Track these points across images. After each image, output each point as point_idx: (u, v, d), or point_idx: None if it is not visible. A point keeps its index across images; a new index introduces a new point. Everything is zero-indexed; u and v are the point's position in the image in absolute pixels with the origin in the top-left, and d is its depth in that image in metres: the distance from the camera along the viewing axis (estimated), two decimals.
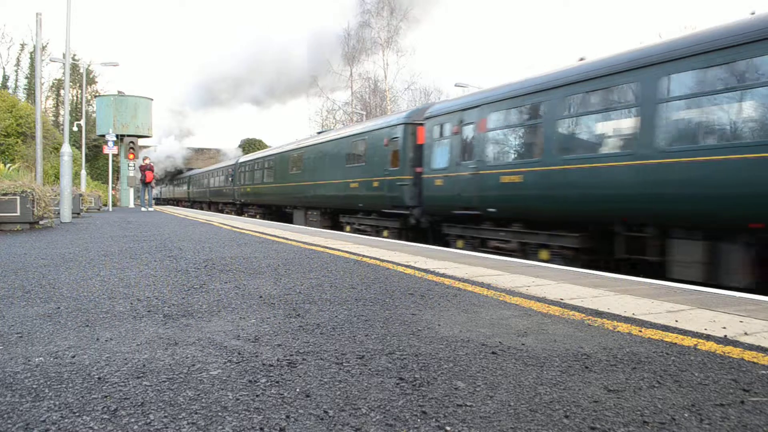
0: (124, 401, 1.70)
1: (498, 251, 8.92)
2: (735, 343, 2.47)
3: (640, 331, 2.69)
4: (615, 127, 7.22)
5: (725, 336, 2.59)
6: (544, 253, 8.21)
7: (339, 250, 6.61)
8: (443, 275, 4.55)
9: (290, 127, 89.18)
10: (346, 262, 5.38)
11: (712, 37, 6.00)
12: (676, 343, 2.48)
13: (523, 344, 2.43)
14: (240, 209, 26.66)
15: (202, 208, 34.65)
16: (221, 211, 29.93)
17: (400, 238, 11.50)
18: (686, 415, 1.67)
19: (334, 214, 16.01)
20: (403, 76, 40.08)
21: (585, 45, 58.16)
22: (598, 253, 7.48)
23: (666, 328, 2.75)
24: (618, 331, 2.70)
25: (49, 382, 1.86)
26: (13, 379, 1.89)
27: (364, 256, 5.96)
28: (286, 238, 8.31)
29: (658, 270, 6.41)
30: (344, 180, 14.53)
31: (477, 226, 9.67)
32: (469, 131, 9.74)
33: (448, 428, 1.54)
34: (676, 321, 2.91)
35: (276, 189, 20.76)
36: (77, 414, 1.60)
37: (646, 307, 3.27)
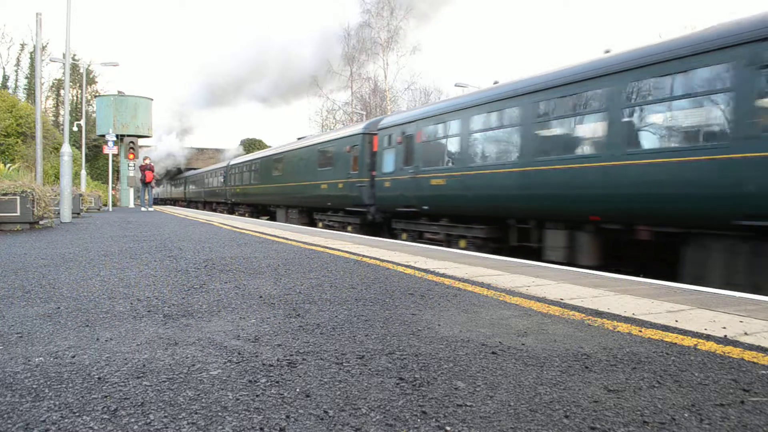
0: (124, 401, 1.70)
1: (431, 241, 10.84)
2: (735, 343, 2.47)
3: (640, 331, 2.69)
4: (504, 143, 9.23)
5: (725, 336, 2.59)
6: (462, 242, 10.11)
7: (339, 250, 6.61)
8: (443, 275, 4.55)
9: (291, 127, 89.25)
10: (346, 262, 5.38)
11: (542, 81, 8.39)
12: (676, 343, 2.48)
13: (523, 344, 2.43)
14: (231, 208, 28.83)
15: (197, 207, 36.28)
16: (215, 210, 31.73)
17: (360, 233, 13.04)
18: (686, 415, 1.67)
19: (309, 212, 17.99)
20: (403, 76, 40.02)
21: (585, 45, 58.19)
22: (500, 242, 9.38)
23: (666, 328, 2.75)
24: (618, 331, 2.70)
25: (49, 382, 1.86)
26: (13, 379, 1.89)
27: (364, 256, 5.96)
28: (286, 238, 8.31)
29: (538, 253, 8.27)
30: (316, 182, 16.61)
31: (416, 221, 11.60)
32: (409, 141, 11.69)
33: (448, 428, 1.54)
34: (676, 321, 2.91)
35: (261, 190, 22.92)
36: (77, 414, 1.60)
37: (646, 307, 3.27)
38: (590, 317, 3.00)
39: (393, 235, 12.43)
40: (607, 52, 7.86)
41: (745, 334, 2.64)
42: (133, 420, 1.56)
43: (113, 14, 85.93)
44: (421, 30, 50.35)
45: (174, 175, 50.95)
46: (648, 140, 6.84)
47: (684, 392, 1.86)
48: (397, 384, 1.89)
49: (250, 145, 50.72)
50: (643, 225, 6.79)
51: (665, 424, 1.59)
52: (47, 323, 2.70)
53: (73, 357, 2.14)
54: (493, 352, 2.29)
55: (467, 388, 1.87)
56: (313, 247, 6.90)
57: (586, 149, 7.64)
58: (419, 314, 3.01)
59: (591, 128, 7.59)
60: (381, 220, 13.27)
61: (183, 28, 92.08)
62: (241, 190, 26.43)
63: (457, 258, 6.01)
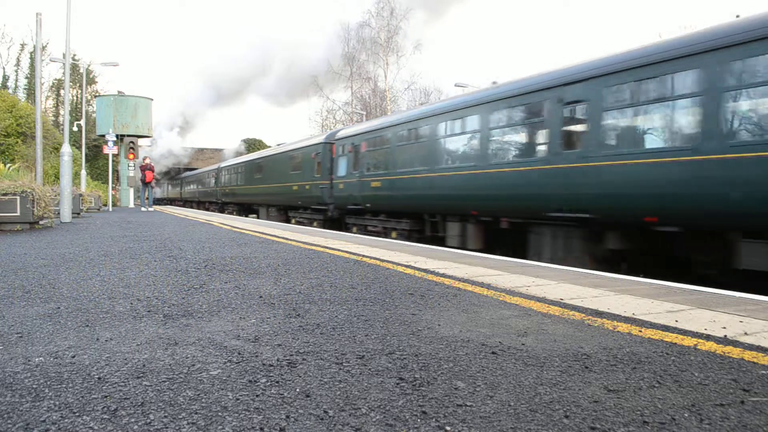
0: (124, 401, 1.70)
1: (374, 233, 13.16)
2: (735, 343, 2.47)
3: (640, 331, 2.69)
4: (418, 153, 11.62)
5: (725, 336, 2.59)
6: (394, 233, 12.46)
7: (339, 250, 6.61)
8: (443, 275, 4.55)
9: (291, 127, 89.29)
10: (346, 262, 5.38)
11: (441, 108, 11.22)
12: (676, 343, 2.48)
13: (523, 344, 2.43)
14: (221, 207, 31.64)
15: (192, 207, 39.63)
16: (207, 209, 34.47)
17: (323, 227, 15.56)
18: (686, 415, 1.67)
19: (285, 210, 20.64)
20: (403, 76, 39.98)
21: (585, 45, 58.17)
22: (421, 233, 11.68)
23: (666, 328, 2.75)
24: (618, 331, 2.70)
25: (49, 382, 1.86)
26: (13, 379, 1.89)
27: (364, 256, 5.96)
28: (286, 238, 8.31)
29: (443, 240, 10.62)
30: (289, 184, 19.39)
31: (362, 217, 14.19)
32: (356, 151, 14.37)
33: (448, 428, 1.54)
34: (676, 321, 2.91)
35: (246, 190, 25.80)
36: (77, 414, 1.60)
37: (646, 307, 3.27)
38: (590, 317, 3.00)
39: (347, 228, 14.87)
40: (494, 82, 11.00)
41: (745, 334, 2.64)
42: (133, 420, 1.56)
43: (113, 14, 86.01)
44: (424, 28, 50.41)
45: (174, 176, 51.37)
46: (499, 156, 9.41)
47: (684, 392, 1.86)
48: (397, 384, 1.89)
49: (251, 145, 50.92)
50: (503, 217, 9.26)
51: (665, 424, 1.59)
52: (47, 323, 2.70)
53: (73, 357, 2.14)
54: (493, 352, 2.29)
55: (467, 388, 1.87)
56: (313, 247, 6.90)
57: (467, 160, 10.06)
58: (419, 314, 3.01)
59: (470, 144, 10.16)
60: (338, 215, 15.70)
61: (183, 28, 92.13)
62: (230, 190, 29.35)
63: (457, 258, 6.01)
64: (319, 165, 16.68)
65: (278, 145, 24.52)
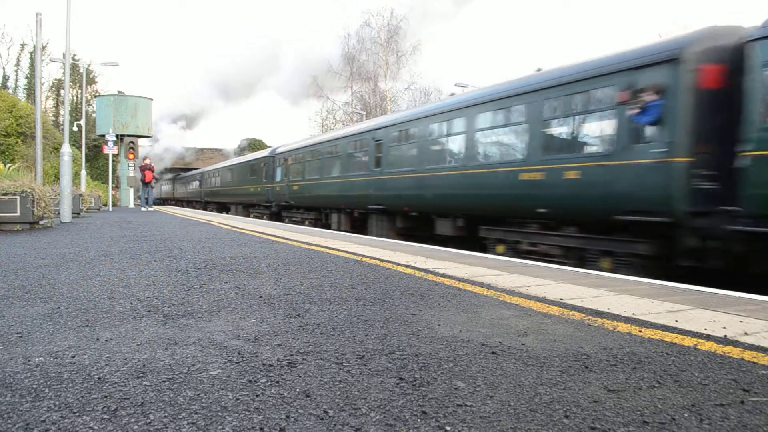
0: (124, 401, 1.70)
1: (298, 223, 18.09)
2: (735, 343, 2.47)
3: (640, 331, 2.69)
4: (317, 166, 17.08)
5: (725, 336, 2.59)
6: (306, 222, 17.66)
7: (339, 250, 6.61)
8: (443, 275, 4.55)
9: (291, 127, 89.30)
10: (345, 262, 5.38)
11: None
12: (676, 343, 2.48)
13: (523, 344, 2.43)
14: (204, 206, 36.62)
15: (182, 205, 44.33)
16: (194, 207, 39.09)
17: (271, 219, 20.54)
18: (686, 415, 1.67)
19: (246, 207, 26.48)
20: (403, 76, 39.90)
21: (585, 45, 58.19)
22: (319, 221, 16.70)
23: (666, 328, 2.75)
24: (618, 331, 2.70)
25: (49, 382, 1.86)
26: (13, 379, 1.89)
27: (363, 256, 5.96)
28: (286, 238, 8.31)
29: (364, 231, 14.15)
30: (248, 186, 25.56)
31: (290, 211, 19.87)
32: (286, 163, 20.24)
33: (448, 428, 1.54)
34: (676, 321, 2.91)
35: (221, 191, 31.63)
36: (77, 414, 1.60)
37: (646, 307, 3.27)
38: (590, 317, 3.00)
39: (281, 219, 20.26)
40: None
41: (745, 334, 2.64)
42: (133, 420, 1.56)
43: (113, 14, 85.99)
44: (424, 29, 50.44)
45: (173, 177, 52.25)
46: (349, 170, 14.67)
47: (684, 392, 1.86)
48: (397, 384, 1.89)
49: (251, 145, 51.24)
50: (354, 209, 14.45)
51: (665, 424, 1.59)
52: (47, 323, 2.70)
53: (73, 357, 2.14)
54: (493, 352, 2.29)
55: (467, 388, 1.87)
56: (313, 247, 6.90)
57: (336, 173, 15.61)
58: (419, 314, 3.01)
59: (338, 164, 15.63)
60: (277, 210, 21.24)
61: (183, 27, 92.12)
62: (210, 191, 34.96)
63: (457, 258, 6.01)
64: (266, 173, 22.59)
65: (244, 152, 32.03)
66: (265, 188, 22.30)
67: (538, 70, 9.18)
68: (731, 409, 1.72)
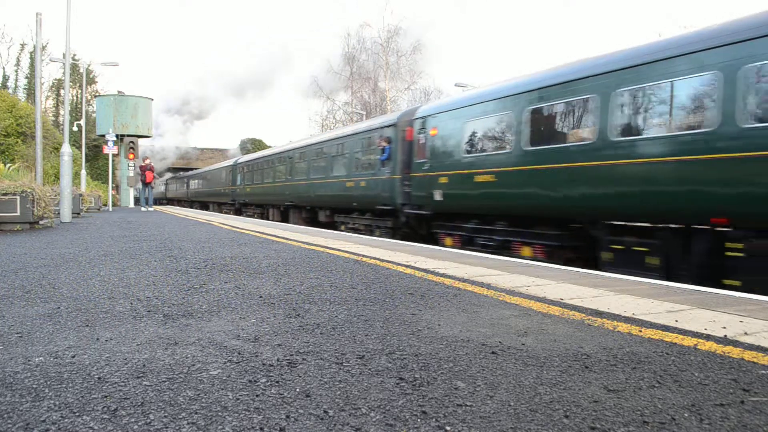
0: (124, 401, 1.70)
1: (252, 216, 23.68)
2: (735, 343, 2.47)
3: (640, 331, 2.69)
4: (260, 174, 23.84)
5: (725, 336, 2.59)
6: (255, 215, 23.92)
7: (339, 250, 6.61)
8: (443, 275, 4.55)
9: (291, 126, 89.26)
10: (346, 262, 5.38)
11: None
12: (676, 343, 2.48)
13: (523, 344, 2.43)
14: (191, 204, 41.84)
15: (173, 204, 48.76)
16: (182, 205, 44.46)
17: (235, 214, 26.08)
18: (686, 415, 1.67)
19: (219, 205, 32.54)
20: (403, 76, 39.92)
21: (585, 45, 58.19)
22: (264, 215, 22.94)
23: (666, 328, 2.75)
24: (618, 331, 2.70)
25: (49, 382, 1.86)
26: (13, 379, 1.89)
27: (364, 256, 5.96)
28: (286, 238, 8.31)
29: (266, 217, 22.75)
30: (220, 188, 31.53)
31: (247, 207, 25.77)
32: (244, 171, 26.22)
33: (448, 428, 1.54)
34: (676, 321, 2.91)
35: (202, 192, 37.43)
36: (77, 414, 1.60)
37: (646, 307, 3.27)
38: (590, 317, 3.00)
39: (241, 213, 26.26)
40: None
41: (745, 334, 2.64)
42: (133, 420, 1.56)
43: (113, 14, 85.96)
44: (423, 29, 50.60)
45: (167, 179, 53.32)
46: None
47: (684, 392, 1.86)
48: (397, 384, 1.89)
49: (251, 145, 51.47)
50: (281, 205, 20.47)
51: (665, 424, 1.59)
52: (47, 323, 2.70)
53: (73, 357, 2.14)
54: (493, 352, 2.29)
55: (467, 388, 1.87)
56: (313, 247, 6.90)
57: (269, 180, 22.10)
58: (419, 314, 3.01)
59: (270, 173, 22.23)
60: (239, 207, 27.28)
61: (183, 27, 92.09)
62: (194, 192, 41.01)
63: (457, 258, 6.01)
64: (233, 179, 28.36)
65: (216, 164, 38.51)
66: (230, 190, 28.82)
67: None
68: (731, 409, 1.72)
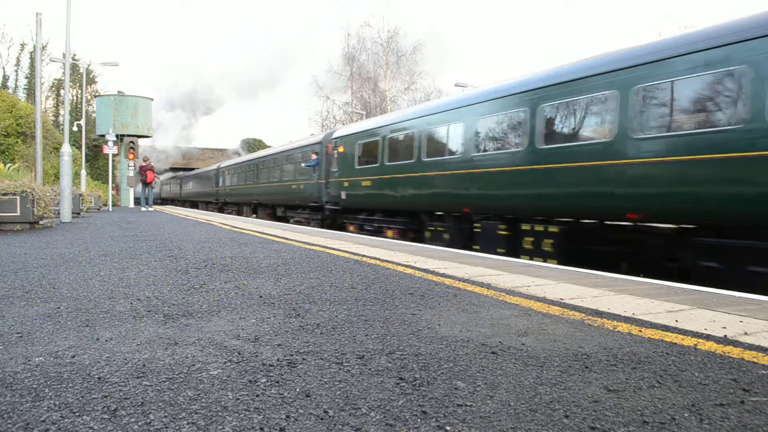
0: (124, 401, 1.70)
1: (231, 213, 28.41)
2: (735, 343, 2.47)
3: (640, 331, 2.69)
4: (236, 178, 28.34)
5: (725, 336, 2.59)
6: (239, 212, 27.94)
7: (339, 250, 6.61)
8: (443, 275, 4.55)
9: (291, 126, 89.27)
10: (346, 262, 5.38)
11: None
12: (676, 343, 2.48)
13: (523, 344, 2.43)
14: (183, 203, 45.20)
15: (168, 203, 51.19)
16: (175, 205, 47.80)
17: (219, 212, 29.90)
18: (686, 415, 1.67)
19: (206, 204, 35.90)
20: (403, 76, 39.93)
21: (585, 44, 58.18)
22: (221, 210, 31.35)
23: (666, 328, 2.75)
24: (618, 331, 2.70)
25: (49, 382, 1.86)
26: (13, 378, 1.89)
27: (364, 256, 5.96)
28: (286, 238, 8.31)
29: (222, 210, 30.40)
30: (207, 189, 35.14)
31: (227, 205, 30.41)
32: (225, 174, 30.45)
33: (448, 428, 1.54)
34: (676, 321, 2.91)
35: (192, 192, 41.06)
36: (77, 414, 1.60)
37: (646, 307, 3.27)
38: (590, 317, 3.00)
39: (223, 210, 30.53)
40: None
41: (745, 334, 2.64)
42: (133, 420, 1.56)
43: (113, 14, 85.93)
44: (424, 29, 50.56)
45: (162, 181, 54.49)
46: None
47: (684, 392, 1.86)
48: (397, 384, 1.89)
49: (251, 145, 51.63)
50: (245, 204, 26.28)
51: (665, 424, 1.59)
52: (47, 323, 2.70)
53: (73, 357, 2.14)
54: (493, 352, 2.29)
55: (467, 387, 1.87)
56: (313, 247, 6.90)
57: (247, 181, 26.09)
58: (419, 314, 3.01)
59: (252, 175, 25.34)
60: (221, 205, 31.24)
61: (183, 27, 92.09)
62: (186, 192, 44.52)
63: (457, 258, 6.01)
64: (215, 180, 32.46)
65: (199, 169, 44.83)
66: (215, 190, 32.54)
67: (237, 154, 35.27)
68: (731, 409, 1.72)
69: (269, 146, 45.40)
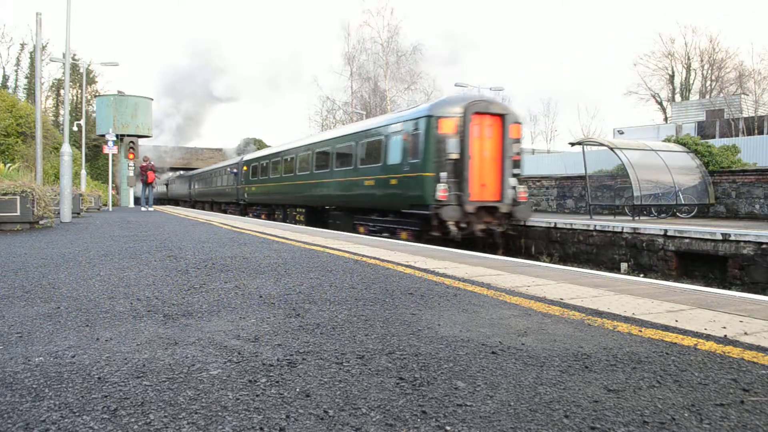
0: (124, 401, 1.70)
1: (202, 209, 33.36)
2: (735, 343, 2.47)
3: (640, 331, 2.69)
4: (205, 183, 35.92)
5: (725, 336, 2.59)
6: (211, 208, 33.66)
7: (339, 250, 6.61)
8: (443, 275, 4.55)
9: (291, 126, 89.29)
10: (345, 262, 5.38)
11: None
12: (676, 343, 2.48)
13: (523, 344, 2.43)
14: (176, 203, 47.42)
15: (161, 203, 53.53)
16: (184, 206, 51.34)
17: (192, 208, 35.14)
18: (686, 415, 1.67)
19: (185, 202, 40.73)
20: (403, 76, 39.94)
21: (585, 44, 58.17)
22: (192, 206, 37.88)
23: (666, 328, 2.75)
24: (618, 331, 2.70)
25: (49, 382, 1.86)
26: (13, 378, 1.89)
27: (364, 256, 5.96)
28: (286, 238, 8.31)
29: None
30: (183, 192, 41.63)
31: (202, 203, 36.58)
32: (198, 178, 37.98)
33: (448, 428, 1.54)
34: (676, 321, 2.91)
35: (177, 193, 45.31)
36: (77, 414, 1.60)
37: (646, 307, 3.27)
38: (590, 317, 3.00)
39: (195, 206, 35.70)
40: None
41: (745, 334, 2.64)
42: (133, 420, 1.56)
43: (113, 14, 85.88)
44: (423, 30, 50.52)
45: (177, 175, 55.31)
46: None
47: (684, 392, 1.86)
48: (397, 384, 1.89)
49: (250, 145, 51.74)
50: (206, 201, 35.30)
51: (665, 424, 1.59)
52: (47, 323, 2.70)
53: (73, 357, 2.14)
54: (493, 352, 2.29)
55: (467, 387, 1.87)
56: (313, 247, 6.90)
57: (210, 186, 34.12)
58: (419, 314, 3.01)
59: (226, 178, 31.01)
60: (193, 203, 37.42)
61: (183, 27, 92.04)
62: (178, 194, 46.93)
63: (457, 258, 6.01)
64: (189, 184, 38.67)
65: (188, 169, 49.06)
66: (189, 193, 39.01)
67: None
68: (731, 409, 1.72)
69: (269, 146, 45.70)
